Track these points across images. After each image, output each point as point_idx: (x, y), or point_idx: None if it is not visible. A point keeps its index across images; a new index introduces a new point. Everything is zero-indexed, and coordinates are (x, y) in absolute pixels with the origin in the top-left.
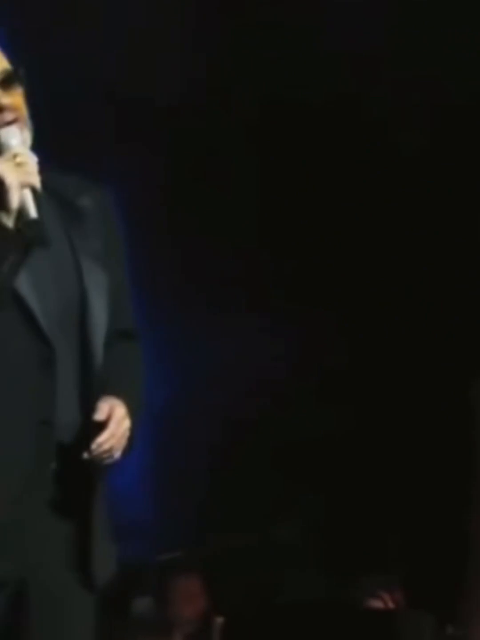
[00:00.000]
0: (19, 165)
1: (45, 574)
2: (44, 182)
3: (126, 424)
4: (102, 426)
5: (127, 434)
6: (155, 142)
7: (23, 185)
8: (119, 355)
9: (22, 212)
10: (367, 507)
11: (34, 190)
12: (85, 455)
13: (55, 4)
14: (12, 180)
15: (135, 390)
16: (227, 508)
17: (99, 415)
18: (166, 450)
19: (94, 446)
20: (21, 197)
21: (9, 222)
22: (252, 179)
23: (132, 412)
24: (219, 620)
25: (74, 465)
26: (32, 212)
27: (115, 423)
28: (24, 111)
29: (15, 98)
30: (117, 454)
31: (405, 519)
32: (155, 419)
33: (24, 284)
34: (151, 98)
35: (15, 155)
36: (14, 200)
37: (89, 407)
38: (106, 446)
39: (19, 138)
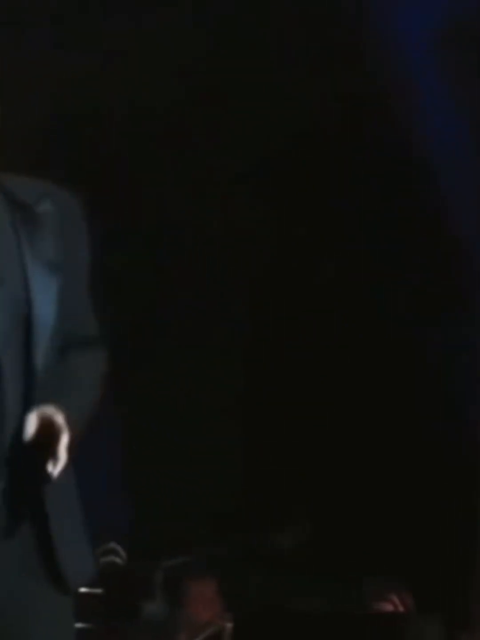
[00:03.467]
0: None
1: (4, 584)
2: (2, 185)
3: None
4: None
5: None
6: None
7: None
8: (73, 363)
9: None
10: (374, 509)
11: None
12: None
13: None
14: None
15: (83, 399)
16: (233, 513)
17: (28, 434)
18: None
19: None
20: None
21: None
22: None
23: (73, 424)
24: (229, 625)
25: (22, 476)
26: None
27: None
28: None
29: None
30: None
31: (414, 521)
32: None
33: None
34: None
35: None
36: None
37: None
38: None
39: None
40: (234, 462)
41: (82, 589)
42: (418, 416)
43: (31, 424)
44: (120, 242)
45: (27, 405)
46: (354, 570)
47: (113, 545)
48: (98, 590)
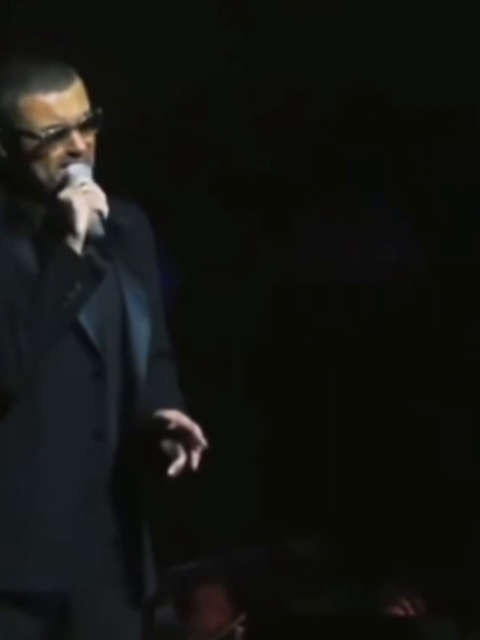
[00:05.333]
0: (85, 192)
1: (92, 590)
2: None
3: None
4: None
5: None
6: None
7: (91, 209)
8: (164, 374)
9: (90, 236)
10: (386, 513)
11: (101, 215)
12: (172, 471)
13: None
14: (80, 203)
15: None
16: (245, 519)
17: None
18: None
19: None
20: (89, 221)
21: (77, 246)
22: None
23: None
24: (240, 630)
25: (120, 481)
26: (100, 230)
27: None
28: (92, 151)
29: (89, 140)
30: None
31: (426, 525)
32: None
33: None
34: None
35: (82, 184)
36: (82, 223)
37: (131, 422)
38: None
39: (87, 174)
40: (246, 467)
41: None
42: (433, 424)
43: (175, 414)
44: None
45: (128, 414)
46: (365, 575)
47: None
48: None
